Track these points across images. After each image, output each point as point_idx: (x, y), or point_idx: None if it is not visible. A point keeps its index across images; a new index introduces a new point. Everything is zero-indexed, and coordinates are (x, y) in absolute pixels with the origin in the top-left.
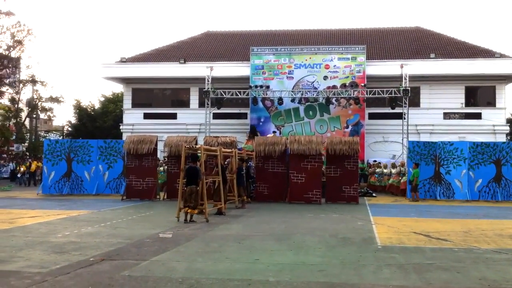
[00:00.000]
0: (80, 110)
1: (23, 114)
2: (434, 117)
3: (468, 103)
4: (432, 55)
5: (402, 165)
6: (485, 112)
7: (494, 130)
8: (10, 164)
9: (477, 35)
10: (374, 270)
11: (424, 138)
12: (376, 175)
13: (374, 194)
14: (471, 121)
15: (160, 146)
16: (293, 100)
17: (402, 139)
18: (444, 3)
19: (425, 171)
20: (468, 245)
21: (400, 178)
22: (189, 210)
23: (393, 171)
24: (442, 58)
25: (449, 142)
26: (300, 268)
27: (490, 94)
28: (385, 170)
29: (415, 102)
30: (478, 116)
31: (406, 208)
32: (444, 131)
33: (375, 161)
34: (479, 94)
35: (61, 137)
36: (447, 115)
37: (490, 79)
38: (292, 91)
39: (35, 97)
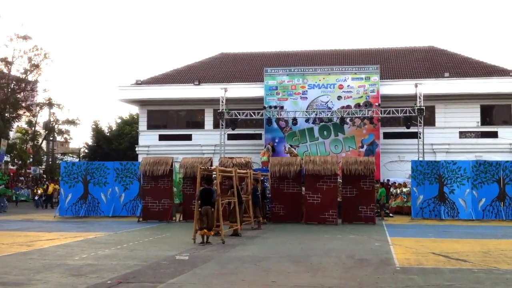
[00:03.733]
0: (97, 132)
1: (40, 137)
2: (450, 136)
3: (484, 122)
4: (447, 74)
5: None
6: (502, 130)
7: (511, 148)
8: (27, 190)
9: (491, 54)
10: None
11: (440, 157)
12: (404, 196)
13: (391, 214)
14: (488, 140)
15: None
16: (307, 120)
17: (418, 159)
18: (458, 23)
19: (429, 190)
20: (487, 266)
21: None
22: (205, 231)
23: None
24: (456, 77)
25: (452, 161)
26: None
27: (506, 112)
28: (404, 190)
29: (430, 121)
30: (494, 134)
31: (423, 228)
32: (460, 150)
33: (388, 180)
34: (495, 112)
35: (78, 159)
36: (463, 134)
37: (505, 98)
38: (306, 111)
39: (51, 119)
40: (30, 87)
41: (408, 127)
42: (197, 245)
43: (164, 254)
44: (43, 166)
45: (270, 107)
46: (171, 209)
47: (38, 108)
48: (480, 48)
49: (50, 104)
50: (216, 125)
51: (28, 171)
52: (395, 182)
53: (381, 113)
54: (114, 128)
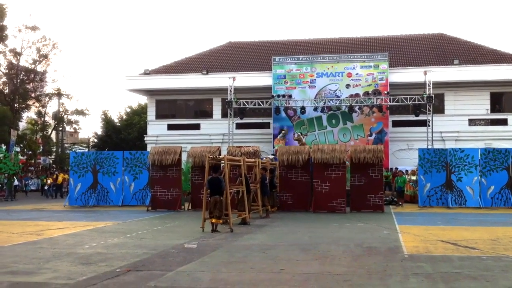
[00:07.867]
0: (107, 122)
1: (50, 127)
2: (459, 124)
3: (493, 109)
4: (456, 61)
5: (414, 173)
6: (511, 118)
7: None
8: (37, 180)
9: (501, 41)
10: (401, 279)
11: (450, 145)
12: (413, 184)
13: (400, 203)
14: (497, 127)
15: (184, 157)
16: (315, 109)
17: (427, 147)
18: (468, 10)
19: (436, 178)
20: (496, 253)
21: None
22: (214, 220)
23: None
24: (466, 64)
25: (460, 148)
26: (326, 278)
27: None
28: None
29: (439, 109)
30: (504, 122)
31: (432, 216)
32: (469, 138)
33: (396, 168)
34: (505, 99)
35: (87, 149)
36: (472, 122)
37: None
38: (315, 100)
39: (61, 110)
40: (39, 78)
41: (417, 115)
42: (205, 233)
43: (173, 243)
44: (53, 156)
45: (279, 96)
46: (180, 198)
47: (47, 99)
48: (489, 36)
49: (59, 95)
50: (224, 115)
51: (38, 161)
52: (406, 171)
53: (390, 101)
54: (123, 118)
